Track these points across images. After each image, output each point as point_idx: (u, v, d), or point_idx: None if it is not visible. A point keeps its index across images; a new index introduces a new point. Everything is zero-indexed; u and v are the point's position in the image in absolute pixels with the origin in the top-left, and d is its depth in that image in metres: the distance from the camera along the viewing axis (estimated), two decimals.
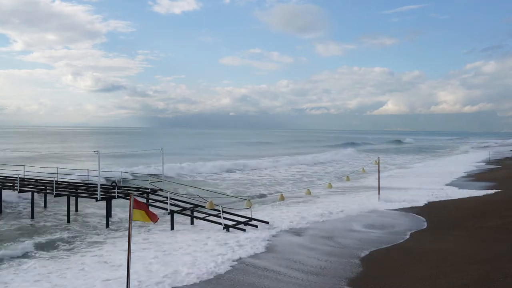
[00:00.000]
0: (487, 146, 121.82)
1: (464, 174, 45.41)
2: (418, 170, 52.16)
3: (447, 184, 36.17)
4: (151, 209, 22.93)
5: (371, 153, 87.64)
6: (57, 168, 27.29)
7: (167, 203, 20.84)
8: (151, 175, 25.11)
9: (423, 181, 39.10)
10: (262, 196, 32.21)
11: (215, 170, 48.15)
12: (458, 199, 27.58)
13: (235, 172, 48.62)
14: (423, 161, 70.16)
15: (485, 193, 29.56)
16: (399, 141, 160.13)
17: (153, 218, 10.21)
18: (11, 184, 25.24)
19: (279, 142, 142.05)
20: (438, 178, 41.37)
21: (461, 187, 34.02)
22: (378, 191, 28.11)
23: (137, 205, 10.06)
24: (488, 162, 61.30)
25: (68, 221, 22.17)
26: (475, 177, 42.30)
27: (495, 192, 29.71)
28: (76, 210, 25.00)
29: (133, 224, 10.59)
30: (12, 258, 15.50)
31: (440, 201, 27.05)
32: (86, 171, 28.02)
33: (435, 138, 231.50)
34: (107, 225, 21.00)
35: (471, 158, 71.17)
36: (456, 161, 66.85)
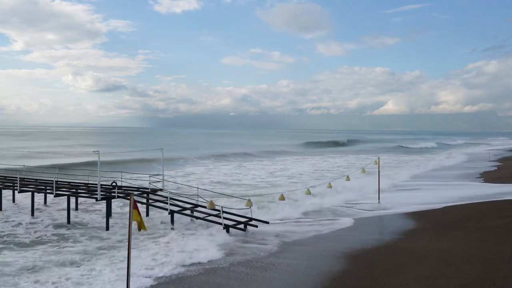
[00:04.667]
0: None
1: None
2: None
3: None
4: (151, 209, 23.03)
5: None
6: (57, 168, 27.31)
7: (167, 203, 20.85)
8: (151, 175, 25.05)
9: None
10: None
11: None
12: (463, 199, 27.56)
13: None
14: None
15: None
16: (443, 144, 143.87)
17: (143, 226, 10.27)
18: (11, 184, 25.24)
19: (327, 144, 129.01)
20: None
21: None
22: (378, 191, 28.11)
23: (136, 207, 10.10)
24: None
25: (68, 221, 22.15)
26: None
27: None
28: (76, 209, 25.03)
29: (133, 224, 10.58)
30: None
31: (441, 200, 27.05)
32: (86, 171, 28.04)
33: (456, 138, 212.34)
34: (107, 226, 20.98)
35: None
36: None
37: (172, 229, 19.91)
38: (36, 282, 12.85)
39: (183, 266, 14.24)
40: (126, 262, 11.21)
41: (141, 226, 10.23)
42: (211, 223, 20.02)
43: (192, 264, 14.48)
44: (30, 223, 22.15)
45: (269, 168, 55.41)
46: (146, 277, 13.07)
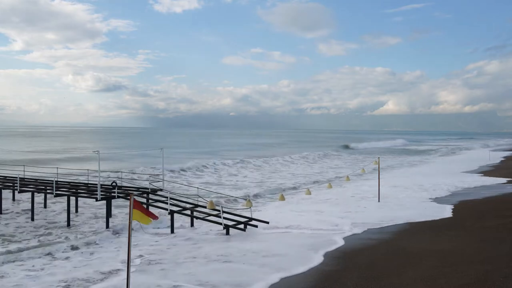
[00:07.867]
0: None
1: None
2: None
3: None
4: (151, 209, 23.02)
5: None
6: (57, 168, 27.30)
7: (167, 203, 20.86)
8: (151, 175, 25.09)
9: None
10: None
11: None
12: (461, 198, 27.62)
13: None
14: None
15: None
16: (486, 145, 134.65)
17: (153, 216, 10.30)
18: (11, 184, 25.26)
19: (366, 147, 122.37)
20: None
21: None
22: (378, 191, 28.12)
23: (136, 206, 10.09)
24: None
25: (68, 223, 22.15)
26: None
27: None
28: (76, 210, 25.05)
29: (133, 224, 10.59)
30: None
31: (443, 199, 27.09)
32: (86, 171, 28.04)
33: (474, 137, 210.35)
34: (107, 226, 20.99)
35: None
36: None
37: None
38: (35, 283, 12.88)
39: None
40: (126, 262, 11.22)
41: (144, 221, 10.21)
42: (210, 223, 20.05)
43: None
44: (30, 223, 22.17)
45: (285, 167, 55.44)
46: None
